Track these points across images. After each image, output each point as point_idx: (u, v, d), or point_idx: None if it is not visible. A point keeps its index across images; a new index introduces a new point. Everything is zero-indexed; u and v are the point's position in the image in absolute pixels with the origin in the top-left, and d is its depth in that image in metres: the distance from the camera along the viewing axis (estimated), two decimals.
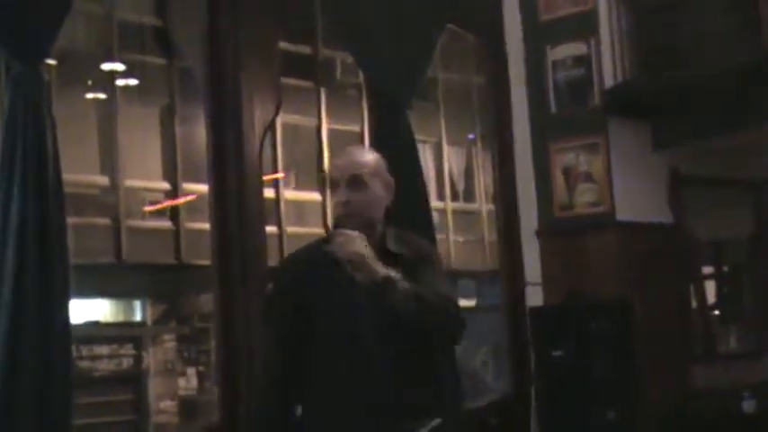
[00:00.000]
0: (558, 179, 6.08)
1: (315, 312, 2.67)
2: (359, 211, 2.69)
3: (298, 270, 2.77)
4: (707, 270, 7.50)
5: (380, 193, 2.75)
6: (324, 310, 2.66)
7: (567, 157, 6.05)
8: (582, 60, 6.02)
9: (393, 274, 2.57)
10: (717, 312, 7.54)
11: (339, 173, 2.75)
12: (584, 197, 6.01)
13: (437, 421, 2.69)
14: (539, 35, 6.16)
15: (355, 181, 2.71)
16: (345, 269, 2.58)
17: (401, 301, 2.56)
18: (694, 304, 6.82)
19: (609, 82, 5.94)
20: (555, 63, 6.09)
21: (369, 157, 2.82)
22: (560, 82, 6.07)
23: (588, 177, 6.00)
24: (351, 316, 2.64)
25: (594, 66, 5.97)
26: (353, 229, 2.64)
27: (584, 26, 6.03)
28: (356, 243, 2.58)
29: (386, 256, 2.66)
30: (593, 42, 5.99)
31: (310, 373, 2.68)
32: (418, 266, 2.70)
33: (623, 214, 5.93)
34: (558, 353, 5.56)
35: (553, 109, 6.12)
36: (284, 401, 2.71)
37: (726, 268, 7.72)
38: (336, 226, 2.68)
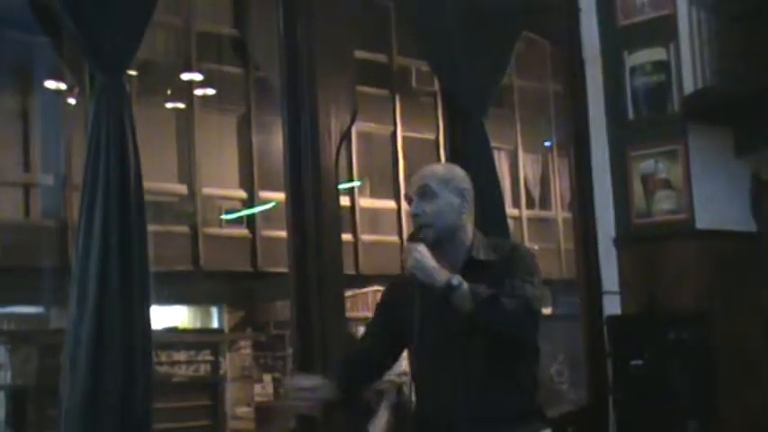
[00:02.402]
0: (636, 186, 5.99)
1: (404, 316, 2.84)
2: (429, 221, 2.82)
3: (396, 280, 3.04)
4: None
5: (452, 200, 2.87)
6: (409, 315, 2.80)
7: (645, 164, 5.97)
8: (661, 66, 5.92)
9: (454, 279, 2.65)
10: None
11: (410, 187, 2.93)
12: (663, 205, 5.91)
13: None
14: (616, 40, 6.09)
15: (424, 192, 2.86)
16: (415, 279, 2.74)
17: (462, 305, 2.64)
18: None
19: (689, 87, 5.83)
20: (633, 69, 6.01)
21: (438, 167, 3.03)
22: (639, 88, 5.99)
23: (667, 184, 5.90)
24: (427, 321, 2.77)
25: (674, 71, 5.87)
26: (428, 238, 2.78)
27: (663, 31, 5.93)
28: (415, 255, 2.71)
29: (474, 265, 2.80)
30: (672, 47, 5.89)
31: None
32: (507, 271, 2.78)
33: (703, 222, 5.81)
34: (636, 362, 5.49)
35: (631, 115, 6.03)
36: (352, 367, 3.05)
37: None
38: (410, 238, 2.82)
